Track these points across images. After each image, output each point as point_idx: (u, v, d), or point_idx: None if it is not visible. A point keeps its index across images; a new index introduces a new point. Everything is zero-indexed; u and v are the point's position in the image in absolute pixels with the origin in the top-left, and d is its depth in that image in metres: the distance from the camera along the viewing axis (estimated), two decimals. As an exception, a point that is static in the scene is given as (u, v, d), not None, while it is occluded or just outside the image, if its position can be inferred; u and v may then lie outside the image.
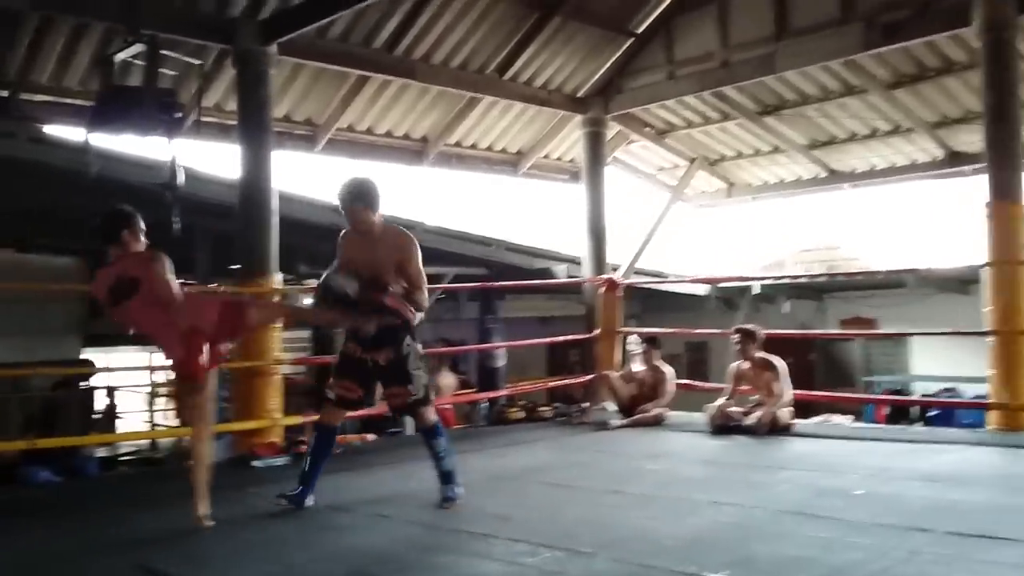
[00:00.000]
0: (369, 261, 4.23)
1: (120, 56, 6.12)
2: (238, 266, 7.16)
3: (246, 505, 4.64)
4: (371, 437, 7.64)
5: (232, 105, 8.29)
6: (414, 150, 10.92)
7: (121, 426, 13.32)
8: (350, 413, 4.78)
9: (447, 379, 11.57)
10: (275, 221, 7.18)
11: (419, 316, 4.42)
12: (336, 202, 4.31)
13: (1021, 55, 7.59)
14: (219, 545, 3.84)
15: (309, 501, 4.36)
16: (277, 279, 7.16)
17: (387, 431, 8.87)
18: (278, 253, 7.19)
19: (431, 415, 4.35)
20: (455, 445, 6.63)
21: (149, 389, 14.60)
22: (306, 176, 31.37)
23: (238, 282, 7.10)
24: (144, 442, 11.39)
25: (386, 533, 3.90)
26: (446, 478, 4.38)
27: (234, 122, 8.02)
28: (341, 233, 4.47)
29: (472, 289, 11.44)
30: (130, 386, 14.65)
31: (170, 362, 4.17)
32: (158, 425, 13.91)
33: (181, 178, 5.90)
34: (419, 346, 4.39)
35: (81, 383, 10.41)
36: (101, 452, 10.32)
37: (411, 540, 3.72)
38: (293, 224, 8.12)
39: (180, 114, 5.82)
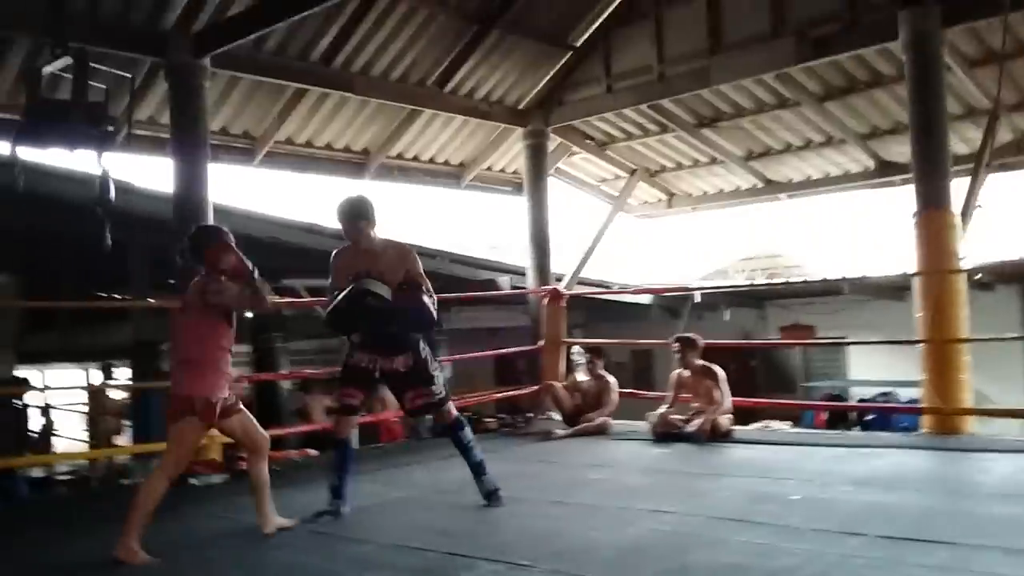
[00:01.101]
0: (378, 274, 4.42)
1: (48, 69, 5.95)
2: (174, 281, 7.02)
3: (184, 524, 4.54)
4: (313, 452, 7.52)
5: (166, 118, 8.14)
6: (355, 163, 10.84)
7: (58, 445, 12.97)
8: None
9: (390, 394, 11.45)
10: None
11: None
12: (337, 221, 4.54)
13: (947, 68, 7.84)
14: (156, 567, 3.74)
15: (345, 509, 4.56)
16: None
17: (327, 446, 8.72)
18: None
19: (453, 411, 4.68)
20: (399, 458, 6.65)
21: (87, 407, 14.24)
22: (246, 189, 31.04)
23: (175, 296, 6.96)
24: (82, 462, 11.08)
25: (324, 550, 3.85)
26: (478, 469, 4.67)
27: (168, 135, 7.88)
28: (334, 252, 4.66)
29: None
30: (68, 406, 14.29)
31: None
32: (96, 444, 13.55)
33: (112, 192, 5.75)
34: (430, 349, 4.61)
35: (15, 401, 10.11)
36: (37, 472, 10.03)
37: (349, 557, 3.67)
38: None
39: (111, 128, 5.66)
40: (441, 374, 4.66)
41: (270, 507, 4.17)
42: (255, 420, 4.29)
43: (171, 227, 7.11)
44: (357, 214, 4.50)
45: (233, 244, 4.14)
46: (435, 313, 4.51)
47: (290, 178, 10.40)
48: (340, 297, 4.41)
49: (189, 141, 7.22)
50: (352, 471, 4.67)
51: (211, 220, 7.06)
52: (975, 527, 3.68)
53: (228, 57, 7.58)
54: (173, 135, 7.39)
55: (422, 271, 4.57)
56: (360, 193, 4.63)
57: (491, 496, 4.61)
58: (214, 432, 6.40)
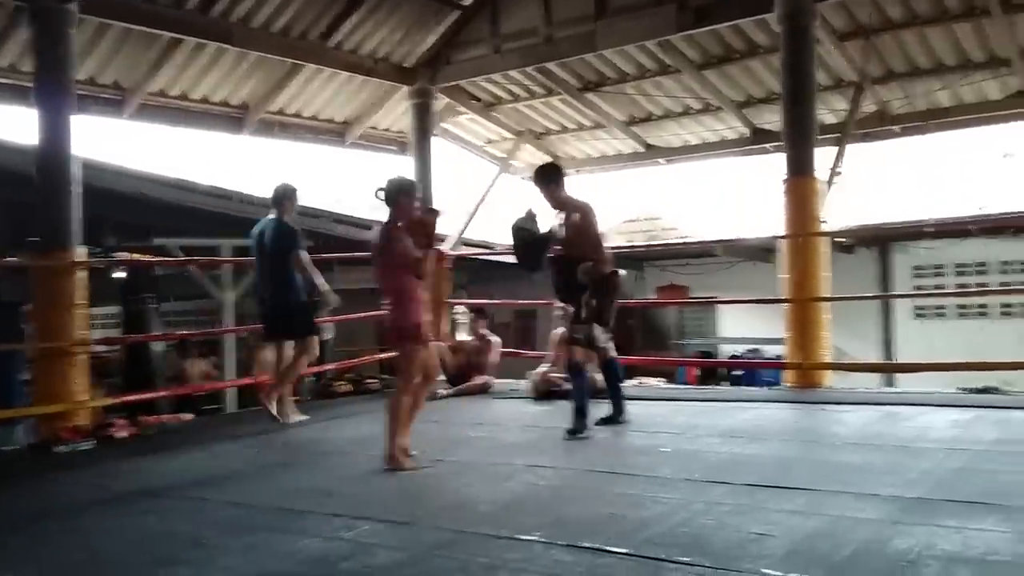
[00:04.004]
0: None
1: None
2: (36, 238, 6.66)
3: (50, 492, 4.38)
4: (187, 416, 7.34)
5: (29, 66, 7.65)
6: (233, 117, 10.48)
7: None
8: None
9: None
10: (77, 190, 6.73)
11: None
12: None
13: (817, 40, 8.18)
14: (22, 533, 3.60)
15: (623, 414, 5.46)
16: (80, 252, 6.72)
17: (203, 409, 8.56)
18: (81, 224, 6.74)
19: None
20: (278, 421, 6.54)
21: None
22: (116, 144, 29.54)
23: (36, 255, 6.62)
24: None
25: (199, 516, 3.78)
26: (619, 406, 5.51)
27: (31, 84, 7.41)
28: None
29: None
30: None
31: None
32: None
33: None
34: None
35: None
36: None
37: (225, 522, 3.62)
38: (100, 194, 7.64)
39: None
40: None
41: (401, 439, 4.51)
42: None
43: (33, 182, 6.72)
44: (549, 178, 5.39)
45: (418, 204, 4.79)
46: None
47: (164, 132, 9.95)
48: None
49: (53, 91, 6.82)
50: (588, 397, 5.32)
51: (77, 175, 6.72)
52: (829, 474, 3.94)
53: (97, 2, 7.21)
54: (36, 84, 6.96)
55: (594, 229, 5.39)
56: (552, 162, 5.15)
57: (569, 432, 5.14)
58: (82, 397, 6.25)
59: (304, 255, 6.15)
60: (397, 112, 11.80)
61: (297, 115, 11.12)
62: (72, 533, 3.63)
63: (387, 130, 12.27)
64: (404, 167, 11.59)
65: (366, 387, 7.94)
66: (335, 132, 11.73)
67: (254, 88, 10.28)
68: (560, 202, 5.40)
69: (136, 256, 9.65)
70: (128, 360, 10.78)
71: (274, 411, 6.12)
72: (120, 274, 10.63)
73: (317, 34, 9.62)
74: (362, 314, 10.18)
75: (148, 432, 6.17)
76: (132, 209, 8.81)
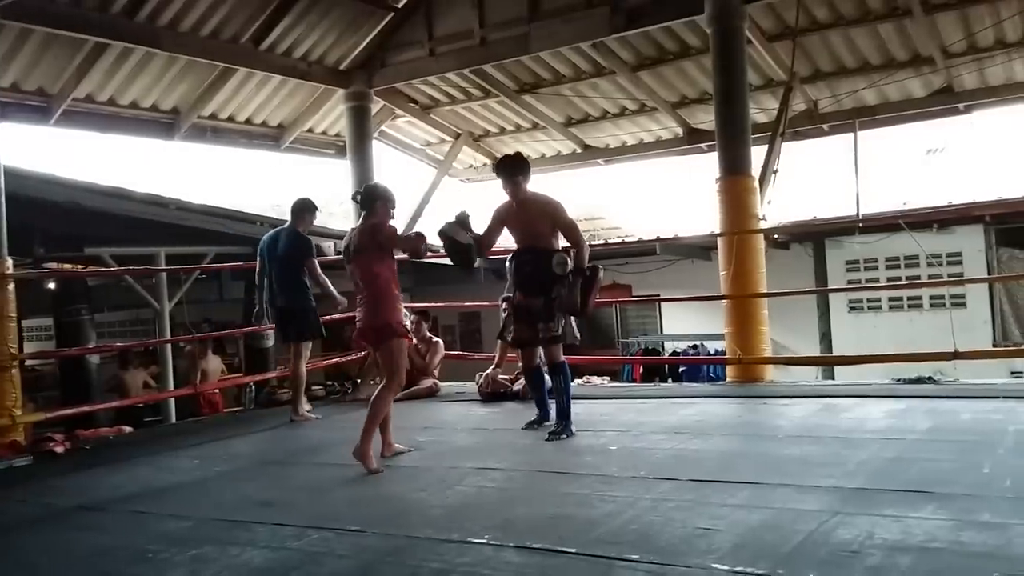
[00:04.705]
0: (528, 222, 5.21)
1: None
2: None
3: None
4: (128, 429, 7.15)
5: (-54, 72, 7.41)
6: (164, 122, 10.28)
7: None
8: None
9: (212, 363, 11.08)
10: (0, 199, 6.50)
11: None
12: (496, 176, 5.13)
13: (747, 41, 8.35)
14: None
15: (550, 419, 5.30)
16: (7, 264, 6.50)
17: (143, 421, 8.36)
18: (5, 234, 6.51)
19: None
20: (220, 431, 6.45)
21: None
22: (42, 151, 28.66)
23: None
24: None
25: (142, 530, 3.69)
26: (563, 414, 5.15)
27: (-52, 91, 7.17)
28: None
29: (236, 268, 10.98)
30: None
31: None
32: None
33: None
34: None
35: None
36: None
37: (169, 535, 3.54)
38: (27, 203, 7.39)
39: None
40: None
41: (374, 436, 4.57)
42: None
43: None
44: (517, 169, 5.08)
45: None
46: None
47: (92, 138, 9.71)
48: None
49: (-27, 98, 6.59)
50: (547, 392, 5.40)
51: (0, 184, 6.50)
52: (772, 467, 4.02)
53: (18, 7, 6.97)
54: (-46, 91, 6.73)
55: (570, 220, 5.14)
56: (517, 153, 5.26)
57: (555, 435, 5.01)
58: (16, 412, 6.06)
59: (316, 263, 6.56)
60: (334, 115, 11.70)
61: (230, 119, 10.95)
62: (11, 551, 3.51)
63: (324, 134, 12.16)
64: (343, 170, 11.51)
65: (312, 394, 7.83)
66: (270, 136, 11.59)
67: (185, 93, 10.09)
68: (525, 196, 5.15)
69: (67, 267, 9.38)
70: (64, 373, 10.47)
71: (301, 413, 6.58)
72: (52, 285, 10.32)
73: (248, 37, 9.48)
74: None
75: (87, 446, 6.01)
76: (64, 218, 8.55)
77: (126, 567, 3.18)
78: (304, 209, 6.63)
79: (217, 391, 10.63)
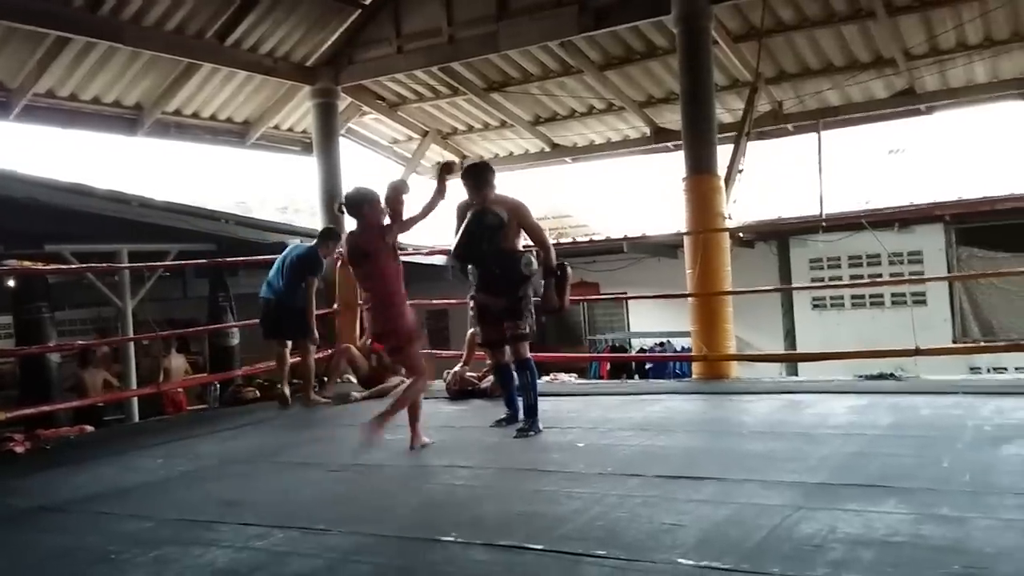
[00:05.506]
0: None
1: None
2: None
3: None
4: (89, 428, 7.05)
5: (-99, 65, 7.24)
6: (127, 118, 10.14)
7: None
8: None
9: (176, 361, 10.95)
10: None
11: None
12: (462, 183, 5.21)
13: (714, 42, 8.41)
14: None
15: (520, 416, 5.23)
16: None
17: (105, 420, 8.23)
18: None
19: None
20: (184, 430, 6.37)
21: None
22: (0, 146, 28.14)
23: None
24: None
25: (104, 531, 3.64)
26: (531, 411, 5.15)
27: (-96, 85, 7.01)
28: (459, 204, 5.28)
29: (200, 266, 10.87)
30: None
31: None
32: None
33: None
34: None
35: None
36: None
37: (131, 536, 3.49)
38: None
39: None
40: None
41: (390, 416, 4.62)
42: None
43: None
44: (483, 179, 5.17)
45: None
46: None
47: (53, 134, 9.56)
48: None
49: (-71, 91, 6.46)
50: (515, 389, 5.34)
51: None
52: (736, 463, 4.05)
53: (-26, -1, 6.84)
54: (-91, 84, 6.59)
55: (535, 222, 5.26)
56: (484, 160, 4.91)
57: (523, 432, 5.02)
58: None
59: (315, 285, 7.06)
60: (300, 112, 11.61)
61: (195, 115, 10.83)
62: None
63: (290, 130, 12.06)
64: (309, 167, 11.42)
65: (276, 393, 7.76)
66: (235, 133, 11.47)
67: (148, 88, 9.96)
68: (491, 203, 5.20)
69: (27, 264, 9.22)
70: (23, 372, 10.28)
71: (313, 399, 7.13)
72: (11, 283, 10.14)
73: (213, 33, 9.38)
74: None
75: (48, 446, 5.91)
76: (23, 215, 8.40)
77: (88, 568, 3.13)
78: (330, 237, 7.18)
79: (180, 390, 10.51)
